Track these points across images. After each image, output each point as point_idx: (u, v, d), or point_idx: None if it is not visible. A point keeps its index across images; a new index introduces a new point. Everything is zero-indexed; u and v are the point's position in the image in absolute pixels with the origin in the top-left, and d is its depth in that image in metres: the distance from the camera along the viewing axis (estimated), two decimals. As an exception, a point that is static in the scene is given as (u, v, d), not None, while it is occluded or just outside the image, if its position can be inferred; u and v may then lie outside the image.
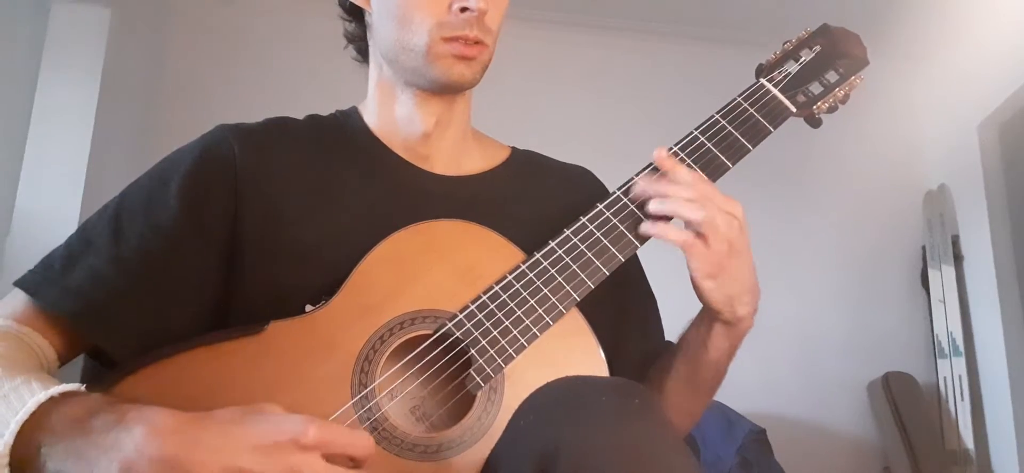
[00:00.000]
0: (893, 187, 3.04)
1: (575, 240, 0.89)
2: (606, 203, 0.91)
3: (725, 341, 0.92)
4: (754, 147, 0.95)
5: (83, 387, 0.72)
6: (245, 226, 0.90)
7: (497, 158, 1.06)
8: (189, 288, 0.87)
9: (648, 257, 0.98)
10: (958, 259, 2.89)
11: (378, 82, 1.02)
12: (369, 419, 0.78)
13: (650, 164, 0.93)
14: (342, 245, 0.89)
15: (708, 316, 0.91)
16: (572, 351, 0.86)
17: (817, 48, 1.04)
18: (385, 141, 1.01)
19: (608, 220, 0.90)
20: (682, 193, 0.88)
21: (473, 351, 0.82)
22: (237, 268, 0.89)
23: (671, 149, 0.95)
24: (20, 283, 0.83)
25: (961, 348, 2.76)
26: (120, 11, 2.49)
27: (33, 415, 0.67)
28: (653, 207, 0.89)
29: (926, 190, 3.05)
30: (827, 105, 1.02)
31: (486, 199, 0.99)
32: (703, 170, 0.92)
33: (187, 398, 0.76)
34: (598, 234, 0.89)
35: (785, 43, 1.05)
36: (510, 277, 0.87)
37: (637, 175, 0.93)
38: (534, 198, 1.02)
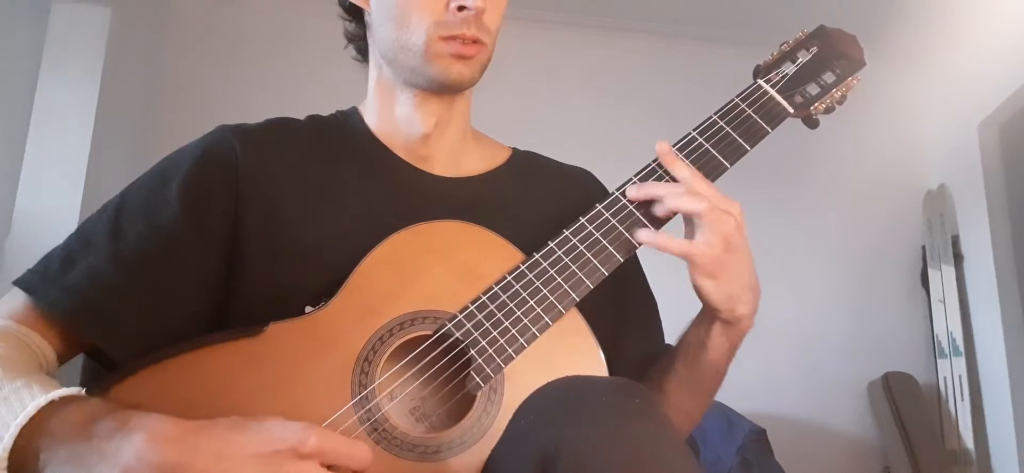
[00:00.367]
0: (893, 187, 3.04)
1: (574, 241, 0.89)
2: (605, 204, 0.91)
3: (725, 341, 0.92)
4: (752, 148, 0.95)
5: (83, 391, 0.72)
6: (245, 226, 0.90)
7: (497, 159, 1.06)
8: (189, 288, 0.87)
9: (648, 258, 0.98)
10: (958, 259, 2.89)
11: (378, 82, 1.02)
12: (369, 420, 0.78)
13: (649, 164, 0.94)
14: (342, 246, 0.89)
15: (708, 316, 0.91)
16: (572, 351, 0.86)
17: (814, 49, 1.04)
18: (385, 142, 1.01)
19: (607, 221, 0.90)
20: (678, 188, 0.88)
21: (473, 351, 0.82)
22: (237, 268, 0.89)
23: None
24: (19, 282, 0.83)
25: (961, 348, 2.76)
26: (120, 11, 2.49)
27: (33, 419, 0.67)
28: (654, 209, 0.89)
29: (926, 190, 3.05)
30: (824, 106, 1.02)
31: (486, 200, 0.99)
32: (701, 170, 0.92)
33: (187, 399, 0.76)
34: (597, 235, 0.89)
35: (782, 44, 1.06)
36: (509, 278, 0.87)
37: (637, 175, 0.93)
38: (534, 199, 1.02)
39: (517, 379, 0.82)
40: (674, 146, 0.95)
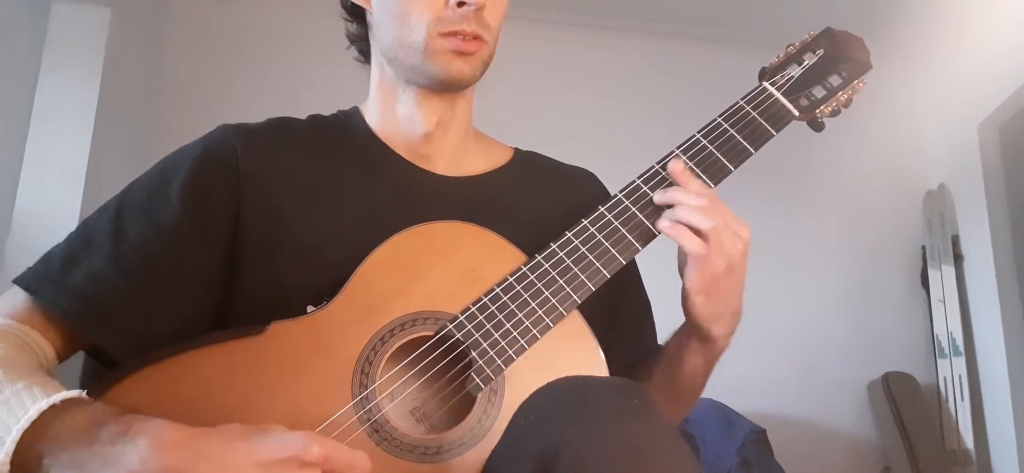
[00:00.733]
0: (893, 187, 3.03)
1: (576, 242, 0.89)
2: (607, 205, 0.91)
3: (700, 358, 0.93)
4: (756, 151, 0.95)
5: (85, 394, 0.72)
6: (246, 226, 0.90)
7: (499, 159, 1.06)
8: (190, 288, 0.87)
9: (648, 261, 0.98)
10: (958, 259, 2.88)
11: (379, 82, 1.02)
12: (369, 420, 0.78)
13: (652, 167, 0.93)
14: (343, 246, 0.89)
15: (687, 330, 0.92)
16: (573, 353, 0.86)
17: (820, 52, 1.04)
18: (387, 141, 1.00)
19: (610, 222, 0.90)
20: (693, 201, 0.88)
21: (473, 353, 0.82)
22: (238, 268, 0.89)
23: (673, 151, 0.95)
24: (20, 281, 0.83)
25: (961, 348, 2.76)
26: (120, 11, 2.48)
27: (35, 423, 0.67)
28: (666, 215, 0.90)
29: (926, 190, 3.05)
30: (830, 109, 1.02)
31: (488, 200, 0.99)
32: (705, 173, 0.92)
33: (187, 398, 0.76)
34: (599, 236, 0.89)
35: (788, 46, 1.05)
36: (511, 279, 0.87)
37: (639, 177, 0.93)
38: (536, 200, 1.02)
39: (518, 380, 0.82)
40: (678, 148, 0.95)
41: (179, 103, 2.75)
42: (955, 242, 2.90)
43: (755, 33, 2.74)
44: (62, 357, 0.83)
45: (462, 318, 0.84)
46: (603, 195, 0.94)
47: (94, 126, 2.37)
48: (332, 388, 0.79)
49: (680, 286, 0.90)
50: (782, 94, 1.00)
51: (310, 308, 0.85)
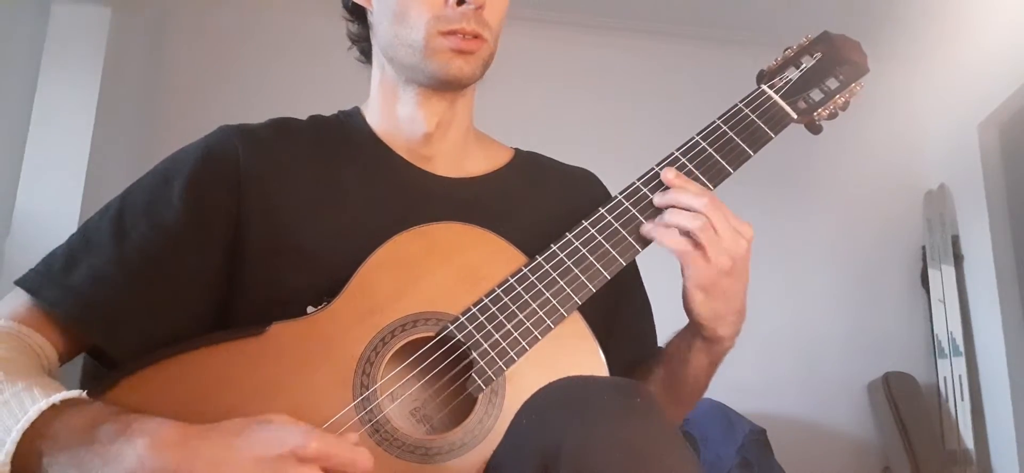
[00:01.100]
0: (893, 187, 3.04)
1: (577, 243, 0.89)
2: (608, 207, 0.91)
3: (705, 358, 0.93)
4: (755, 153, 0.95)
5: (85, 394, 0.72)
6: (247, 227, 0.90)
7: (500, 160, 1.06)
8: (191, 289, 0.87)
9: (649, 261, 0.98)
10: (958, 259, 2.89)
11: (380, 82, 1.02)
12: (371, 421, 0.78)
13: (652, 169, 0.93)
14: (344, 246, 0.89)
15: (691, 330, 0.92)
16: (574, 354, 0.86)
17: (818, 55, 1.04)
18: (387, 142, 1.00)
19: (610, 224, 0.90)
20: (685, 201, 0.88)
21: (474, 354, 0.82)
22: (239, 268, 0.89)
23: (672, 153, 0.95)
24: (21, 282, 0.83)
25: (961, 348, 2.76)
26: (120, 11, 2.49)
27: (34, 423, 0.67)
28: (657, 218, 0.90)
29: (926, 190, 3.05)
30: (828, 112, 1.02)
31: (488, 201, 0.99)
32: (704, 175, 0.93)
33: (188, 399, 0.76)
34: (599, 238, 0.89)
35: (786, 49, 1.06)
36: (511, 280, 0.87)
37: (639, 179, 0.93)
38: (537, 200, 1.02)
39: (519, 381, 0.82)
40: (678, 150, 0.95)
41: (179, 103, 2.75)
42: (955, 242, 2.90)
43: (755, 33, 2.74)
44: (63, 358, 0.83)
45: (463, 319, 0.84)
46: (604, 195, 0.94)
47: (94, 126, 2.37)
48: (333, 389, 0.79)
49: (678, 287, 0.90)
50: (780, 97, 1.00)
51: (310, 309, 0.85)
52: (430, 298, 0.85)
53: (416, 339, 0.84)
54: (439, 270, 0.87)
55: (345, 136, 1.01)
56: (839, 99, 1.03)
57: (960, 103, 2.93)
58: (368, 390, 0.80)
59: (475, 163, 1.03)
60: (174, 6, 2.90)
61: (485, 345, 0.83)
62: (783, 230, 2.91)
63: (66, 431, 0.67)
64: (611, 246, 0.89)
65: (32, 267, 0.85)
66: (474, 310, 0.85)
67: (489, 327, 0.84)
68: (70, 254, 0.85)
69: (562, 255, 0.88)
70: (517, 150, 1.09)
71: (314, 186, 0.95)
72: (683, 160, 0.94)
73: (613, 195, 0.93)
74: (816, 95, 1.02)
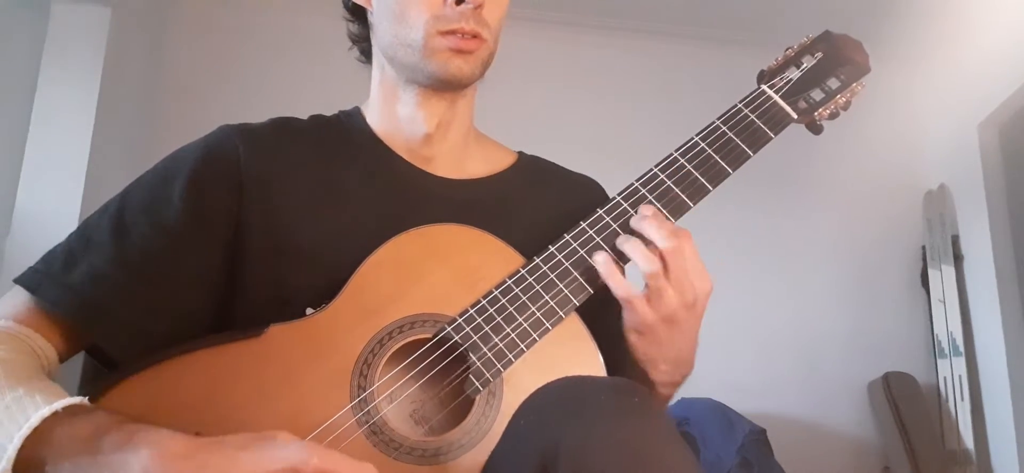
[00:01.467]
0: (893, 187, 3.03)
1: (575, 245, 0.89)
2: (606, 208, 0.91)
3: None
4: (755, 154, 0.95)
5: (86, 400, 0.72)
6: (247, 226, 0.90)
7: (502, 163, 1.06)
8: (191, 288, 0.87)
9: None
10: (958, 259, 2.88)
11: (380, 82, 1.01)
12: (368, 422, 0.78)
13: (650, 170, 0.93)
14: (343, 247, 0.89)
15: (635, 364, 0.90)
16: (571, 356, 0.86)
17: (819, 54, 1.04)
18: (387, 142, 1.00)
19: (608, 226, 0.90)
20: (651, 233, 0.86)
21: (472, 355, 0.82)
22: (239, 268, 0.89)
23: (671, 154, 0.94)
24: (21, 281, 0.83)
25: (961, 348, 2.76)
26: (120, 11, 2.48)
27: (36, 430, 0.67)
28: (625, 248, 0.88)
29: (926, 190, 3.05)
30: (828, 112, 1.02)
31: (488, 203, 0.99)
32: (703, 176, 0.92)
33: (186, 401, 0.76)
34: (598, 240, 0.89)
35: (787, 49, 1.05)
36: (509, 282, 0.87)
37: (638, 180, 0.93)
38: (537, 205, 1.01)
39: (516, 382, 0.82)
40: (677, 150, 0.94)
41: (179, 103, 2.75)
42: (955, 242, 2.90)
43: (755, 33, 2.74)
44: (63, 357, 0.83)
45: (460, 320, 0.84)
46: (605, 202, 0.94)
47: (94, 126, 2.37)
48: (331, 390, 0.79)
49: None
50: (780, 97, 1.00)
51: (309, 310, 0.85)
52: (428, 299, 0.85)
53: (414, 340, 0.84)
54: (438, 271, 0.87)
55: (345, 136, 1.01)
56: (840, 99, 1.02)
57: (960, 103, 2.93)
58: (366, 391, 0.80)
59: (476, 164, 1.03)
60: (174, 6, 2.90)
61: (483, 347, 0.83)
62: (783, 230, 2.91)
63: (69, 439, 0.67)
64: (611, 248, 0.89)
65: (32, 266, 0.85)
66: (471, 312, 0.85)
67: (487, 329, 0.84)
68: (70, 253, 0.85)
69: (560, 257, 0.88)
70: (520, 154, 1.09)
71: (314, 186, 0.95)
72: (682, 161, 0.93)
73: (611, 197, 0.93)
74: (817, 95, 1.01)
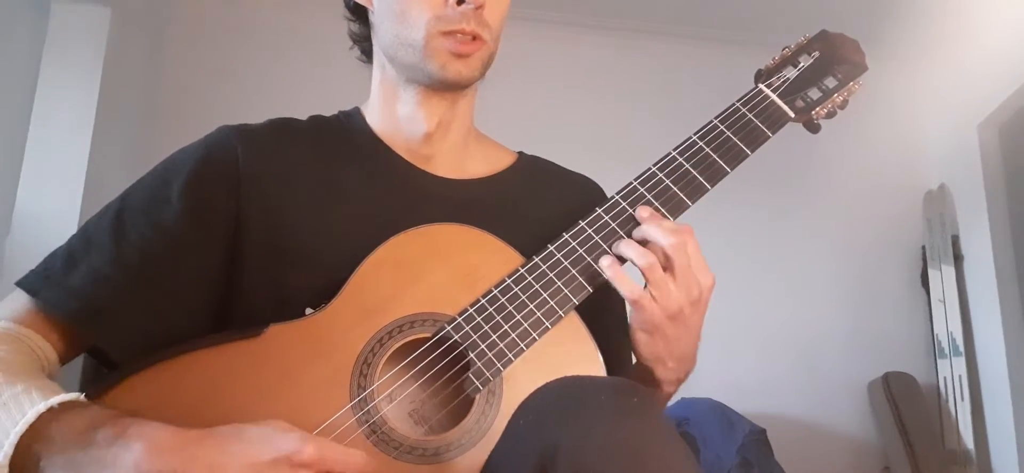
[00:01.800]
0: (893, 187, 3.03)
1: (574, 244, 0.89)
2: (605, 208, 0.91)
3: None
4: (752, 152, 0.95)
5: (83, 396, 0.72)
6: (247, 227, 0.90)
7: (502, 163, 1.06)
8: (191, 289, 0.87)
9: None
10: (958, 259, 2.88)
11: (381, 82, 1.02)
12: (368, 422, 0.78)
13: (648, 169, 0.93)
14: (343, 247, 0.89)
15: (640, 364, 0.90)
16: (571, 355, 0.86)
17: (816, 54, 1.04)
18: (387, 142, 1.00)
19: (607, 225, 0.90)
20: (652, 234, 0.86)
21: (471, 355, 0.82)
22: (238, 269, 0.89)
23: (669, 153, 0.95)
24: (21, 283, 0.83)
25: (961, 348, 2.76)
26: (120, 11, 2.48)
27: (32, 426, 0.68)
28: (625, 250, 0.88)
29: (926, 190, 3.05)
30: (826, 111, 1.02)
31: (488, 203, 0.99)
32: (701, 175, 0.92)
33: (186, 401, 0.76)
34: (597, 239, 0.89)
35: (784, 49, 1.05)
36: (509, 281, 0.87)
37: (636, 179, 0.93)
38: (536, 205, 1.01)
39: (516, 381, 0.82)
40: (675, 150, 0.95)
41: (179, 103, 2.75)
42: (955, 242, 2.90)
43: (755, 33, 2.74)
44: (64, 359, 0.83)
45: (460, 320, 0.84)
46: (604, 202, 0.94)
47: (94, 126, 2.37)
48: (330, 390, 0.79)
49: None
50: (778, 96, 1.00)
51: (309, 310, 0.85)
52: (428, 299, 0.85)
53: (414, 340, 0.84)
54: (438, 271, 0.87)
55: (345, 136, 1.01)
56: (837, 98, 1.03)
57: (960, 103, 2.93)
58: (365, 391, 0.80)
59: (476, 164, 1.03)
60: (174, 6, 2.90)
61: (482, 346, 0.83)
62: (783, 230, 2.91)
63: (63, 434, 0.67)
64: (610, 248, 0.89)
65: (32, 268, 0.85)
66: (471, 311, 0.85)
67: (486, 328, 0.84)
68: (70, 255, 0.85)
69: (559, 256, 0.88)
70: (521, 154, 1.09)
71: (314, 186, 0.95)
72: (680, 160, 0.94)
73: (610, 196, 0.93)
74: (814, 94, 1.02)
